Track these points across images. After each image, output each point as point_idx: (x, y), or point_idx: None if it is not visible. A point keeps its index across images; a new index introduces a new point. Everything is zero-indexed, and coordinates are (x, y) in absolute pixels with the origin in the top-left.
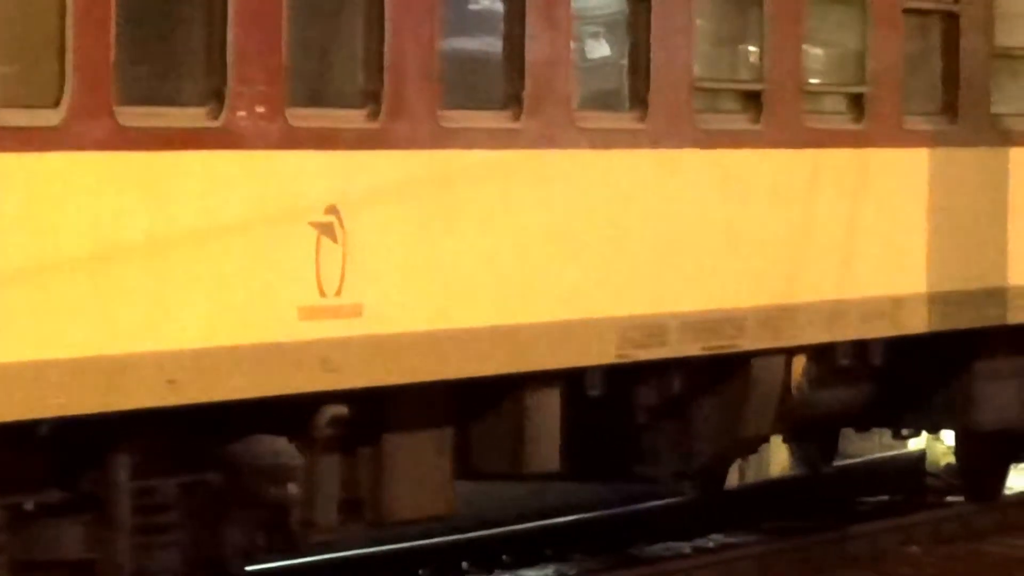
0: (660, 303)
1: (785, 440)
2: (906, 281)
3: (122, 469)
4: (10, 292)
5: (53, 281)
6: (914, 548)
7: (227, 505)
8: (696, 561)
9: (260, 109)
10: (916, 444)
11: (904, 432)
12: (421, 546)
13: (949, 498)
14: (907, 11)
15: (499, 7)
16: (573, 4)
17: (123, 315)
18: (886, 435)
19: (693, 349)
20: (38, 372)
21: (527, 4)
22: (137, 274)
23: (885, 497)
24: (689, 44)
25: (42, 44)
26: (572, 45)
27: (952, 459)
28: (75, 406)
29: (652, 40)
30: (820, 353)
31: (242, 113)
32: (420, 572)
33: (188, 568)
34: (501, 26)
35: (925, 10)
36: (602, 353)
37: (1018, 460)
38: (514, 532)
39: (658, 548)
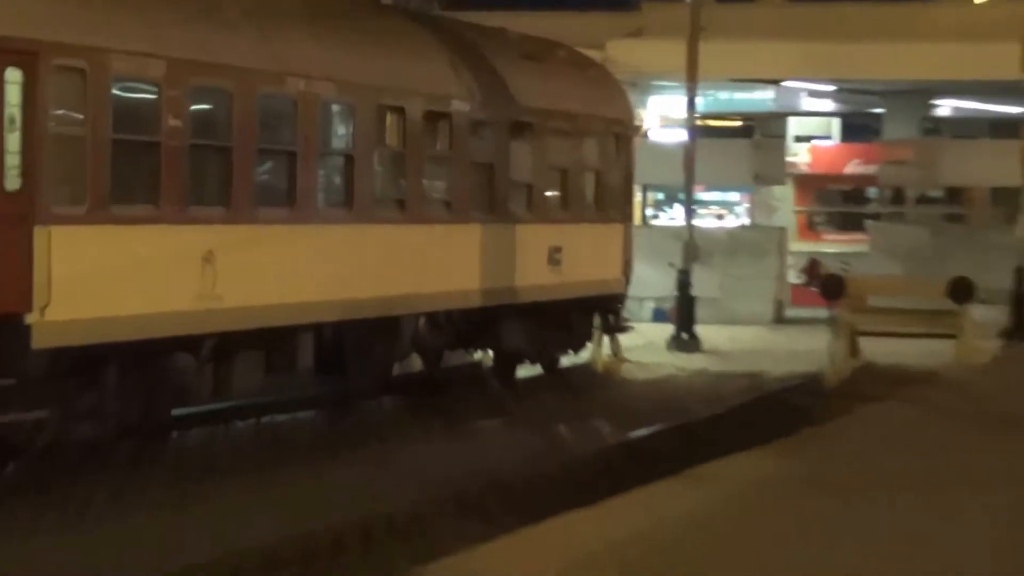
0: (354, 291)
1: (418, 355)
2: (470, 281)
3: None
4: None
5: None
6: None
7: (162, 377)
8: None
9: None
10: (477, 357)
11: (470, 351)
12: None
13: (492, 383)
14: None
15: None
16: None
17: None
18: (463, 353)
19: (373, 314)
20: None
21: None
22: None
23: (463, 381)
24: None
25: None
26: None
27: (491, 363)
28: None
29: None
30: (432, 316)
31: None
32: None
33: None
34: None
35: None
36: (339, 314)
37: (520, 363)
38: (277, 401)
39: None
